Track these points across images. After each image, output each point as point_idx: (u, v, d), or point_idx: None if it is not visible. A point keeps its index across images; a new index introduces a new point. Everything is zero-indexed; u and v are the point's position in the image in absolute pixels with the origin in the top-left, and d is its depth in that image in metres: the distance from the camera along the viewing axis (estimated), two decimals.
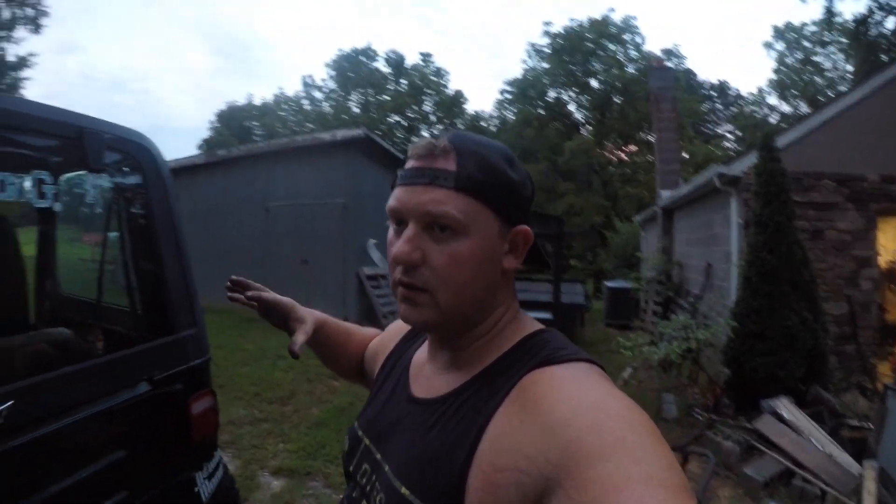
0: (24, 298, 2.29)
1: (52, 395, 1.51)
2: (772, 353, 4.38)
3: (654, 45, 37.78)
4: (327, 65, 43.77)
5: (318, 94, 44.83)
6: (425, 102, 41.79)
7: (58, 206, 1.71)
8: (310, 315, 1.06)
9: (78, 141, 1.66)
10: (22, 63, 22.77)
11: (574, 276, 15.21)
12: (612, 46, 32.06)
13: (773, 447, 3.72)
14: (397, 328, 1.00)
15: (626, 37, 32.20)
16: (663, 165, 11.65)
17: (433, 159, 0.67)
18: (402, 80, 42.19)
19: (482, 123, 39.73)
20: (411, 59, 47.35)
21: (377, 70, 42.74)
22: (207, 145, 40.05)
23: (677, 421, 4.75)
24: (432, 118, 42.00)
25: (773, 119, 32.12)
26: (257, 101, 47.51)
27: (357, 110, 41.29)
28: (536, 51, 34.45)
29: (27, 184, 1.59)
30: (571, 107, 33.50)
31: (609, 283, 11.33)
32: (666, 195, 9.74)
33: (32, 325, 2.23)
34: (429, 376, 0.78)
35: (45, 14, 23.98)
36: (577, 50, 31.84)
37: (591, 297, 12.21)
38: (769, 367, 4.36)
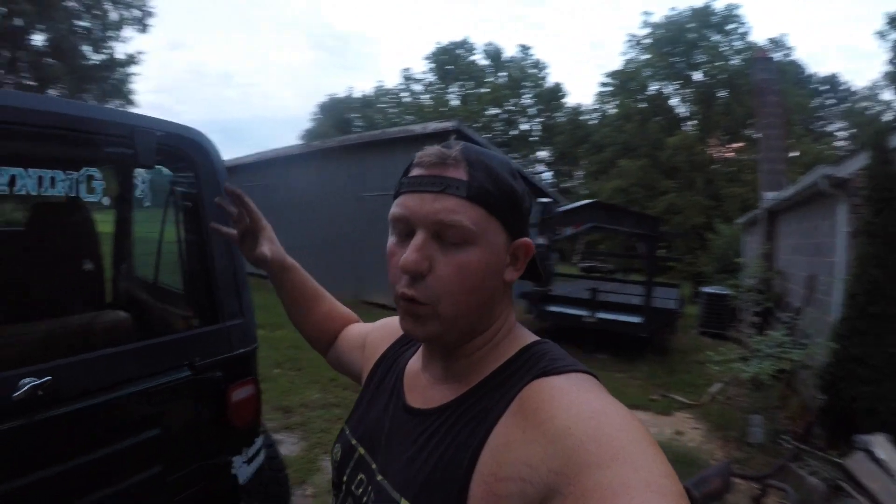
0: (94, 281, 2.43)
1: (96, 371, 1.64)
2: (873, 382, 3.91)
3: (759, 34, 35.30)
4: (426, 58, 44.17)
5: (417, 87, 45.55)
6: (524, 95, 41.37)
7: (106, 200, 1.88)
8: (281, 248, 1.09)
9: (129, 139, 1.75)
10: (130, 60, 24.73)
11: (671, 279, 14.63)
12: (714, 37, 30.46)
13: (861, 491, 3.32)
14: (389, 328, 0.99)
15: (730, 26, 30.47)
16: (768, 164, 10.84)
17: (444, 168, 0.67)
18: (501, 73, 41.95)
19: (582, 117, 38.84)
20: (510, 51, 47.10)
21: (475, 63, 42.79)
22: (309, 136, 41.62)
23: (762, 447, 4.44)
24: (531, 111, 41.54)
25: (889, 115, 29.31)
26: (357, 94, 49.12)
27: (456, 102, 41.46)
28: (636, 42, 33.27)
29: (80, 180, 1.78)
30: (674, 100, 32.11)
31: (706, 289, 10.77)
32: (769, 197, 9.07)
33: (94, 306, 2.32)
34: (424, 386, 0.78)
35: (150, 14, 25.98)
36: (679, 41, 30.62)
37: (686, 301, 11.65)
38: (868, 399, 3.90)
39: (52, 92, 21.41)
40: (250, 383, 2.08)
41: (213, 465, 1.99)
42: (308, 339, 1.17)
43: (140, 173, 2.06)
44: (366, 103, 47.07)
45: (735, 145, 29.05)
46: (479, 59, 43.07)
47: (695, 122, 30.85)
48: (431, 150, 0.69)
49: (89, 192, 1.85)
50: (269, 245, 1.06)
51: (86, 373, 1.61)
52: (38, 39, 22.40)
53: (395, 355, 0.91)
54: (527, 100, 41.52)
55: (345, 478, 0.81)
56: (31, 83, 21.86)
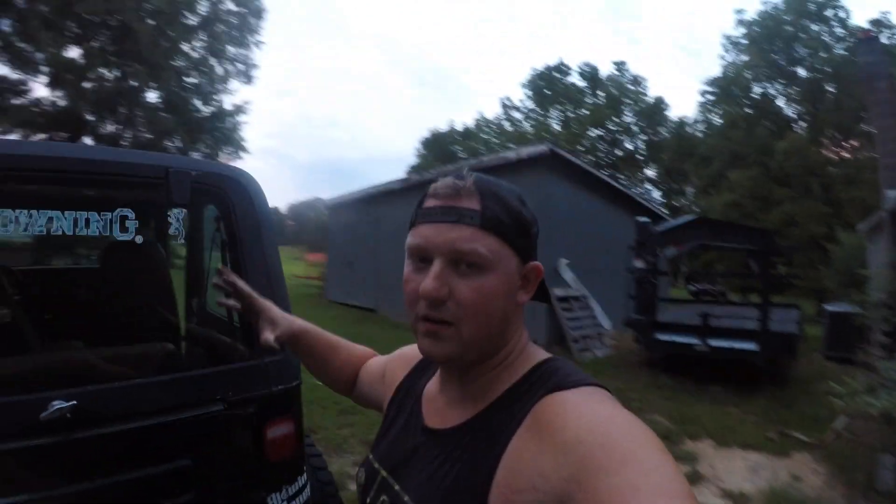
0: (143, 314, 2.51)
1: (129, 398, 1.75)
2: None
3: (859, 17, 31.77)
4: (522, 85, 44.28)
5: (516, 115, 45.46)
6: (625, 113, 40.40)
7: (139, 239, 1.93)
8: (284, 320, 1.12)
9: (164, 179, 1.86)
10: (239, 110, 26.42)
11: (790, 298, 13.60)
12: (814, 27, 28.28)
13: None
14: (405, 357, 1.03)
15: (828, 13, 28.13)
16: (886, 159, 9.69)
17: (458, 199, 0.71)
18: (599, 92, 41.24)
19: (687, 129, 37.41)
20: (605, 69, 46.29)
21: (573, 85, 42.31)
22: (414, 171, 42.47)
23: (891, 495, 3.93)
24: (634, 129, 40.53)
25: None
26: (458, 126, 49.47)
27: (558, 127, 41.03)
28: (733, 43, 31.63)
29: (112, 219, 1.85)
30: (780, 102, 30.07)
31: (829, 307, 9.95)
32: (891, 196, 8.16)
33: (137, 337, 2.35)
34: (442, 407, 0.81)
35: (254, 66, 27.77)
36: (777, 36, 28.65)
37: (808, 321, 10.80)
38: None
39: (167, 143, 23.31)
40: (288, 421, 2.08)
41: (248, 501, 2.01)
42: (331, 387, 1.21)
43: (176, 211, 2.05)
44: (467, 135, 47.51)
45: (850, 143, 26.79)
46: (577, 80, 42.67)
47: (804, 122, 28.86)
48: (445, 182, 0.73)
49: (122, 231, 1.90)
50: (271, 328, 1.11)
51: (117, 399, 1.73)
52: (151, 97, 24.63)
53: (413, 382, 0.94)
54: (628, 117, 40.68)
55: (368, 500, 0.84)
56: (148, 136, 23.69)
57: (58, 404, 1.56)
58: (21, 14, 18.71)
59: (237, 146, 27.38)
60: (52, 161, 1.76)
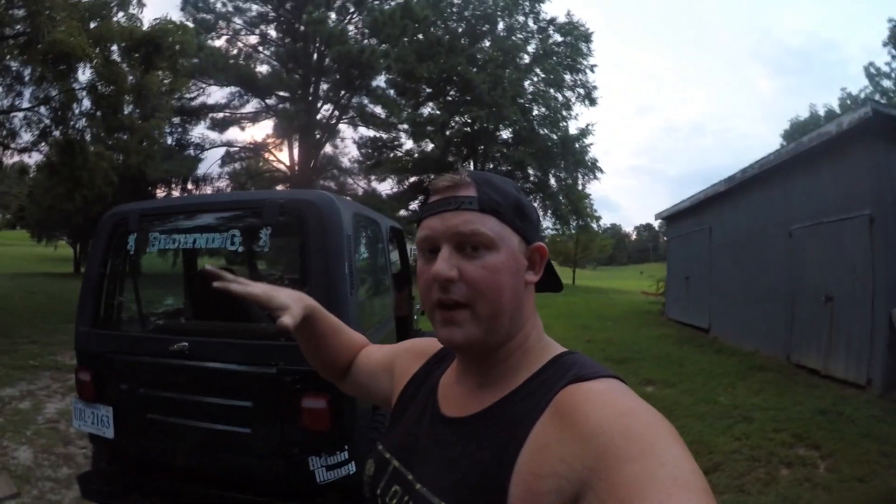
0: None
1: (221, 350, 2.78)
2: None
3: None
4: (884, 43, 33.30)
5: (886, 83, 34.46)
6: None
7: (242, 248, 3.02)
8: (292, 301, 1.04)
9: (259, 209, 2.86)
10: (584, 133, 27.72)
11: None
12: None
13: None
14: (418, 350, 1.04)
15: None
16: None
17: (456, 189, 0.77)
18: None
19: None
20: None
21: None
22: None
23: None
24: None
25: None
26: (821, 110, 41.35)
27: None
28: None
29: (233, 235, 2.92)
30: None
31: None
32: None
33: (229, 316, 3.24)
34: (459, 396, 0.82)
35: (594, 88, 29.41)
36: None
37: None
38: None
39: (520, 174, 26.81)
40: (323, 397, 2.53)
41: (290, 453, 2.63)
42: (322, 372, 1.21)
43: (264, 231, 2.85)
44: (831, 118, 38.28)
45: None
46: None
47: None
48: (442, 178, 0.78)
49: (231, 245, 2.92)
50: (286, 313, 0.99)
51: (210, 349, 2.79)
52: (505, 134, 27.58)
53: (427, 373, 0.96)
54: None
55: (378, 491, 0.85)
56: (505, 168, 27.05)
57: (179, 345, 2.78)
58: (370, 90, 23.04)
59: (589, 167, 28.20)
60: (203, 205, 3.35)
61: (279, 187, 23.55)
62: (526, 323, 0.80)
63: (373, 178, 28.50)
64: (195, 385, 2.79)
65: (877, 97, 32.74)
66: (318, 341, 1.14)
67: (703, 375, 7.64)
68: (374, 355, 1.15)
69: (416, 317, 6.06)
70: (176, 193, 23.32)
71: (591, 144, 29.68)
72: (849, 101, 36.97)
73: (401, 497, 0.79)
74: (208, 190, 23.77)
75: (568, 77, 28.67)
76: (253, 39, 24.51)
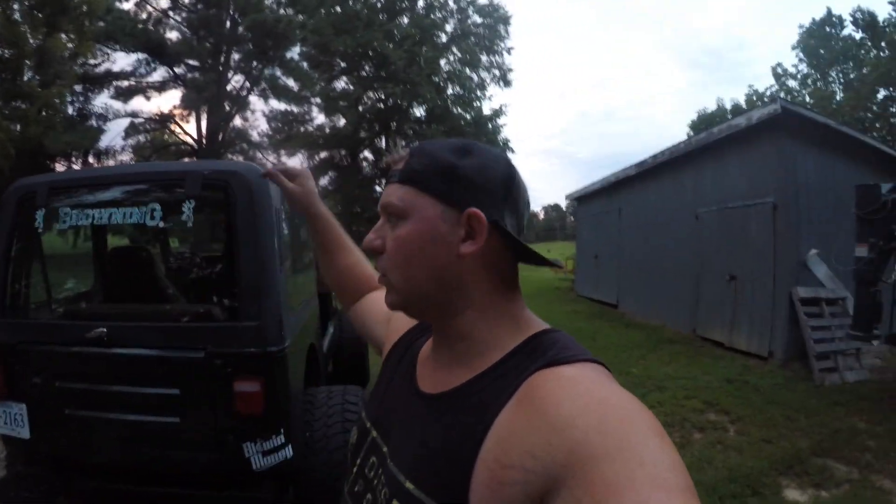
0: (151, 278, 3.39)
1: (143, 334, 2.58)
2: None
3: None
4: (793, 47, 36.66)
5: (791, 83, 37.86)
6: None
7: (163, 224, 2.77)
8: (311, 195, 1.19)
9: (181, 181, 2.65)
10: (497, 114, 28.74)
11: None
12: None
13: None
14: None
15: None
16: None
17: (395, 164, 0.77)
18: (882, 43, 31.90)
19: None
20: (882, 12, 35.93)
21: (849, 38, 33.70)
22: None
23: None
24: None
25: None
26: (728, 105, 44.36)
27: (840, 94, 33.28)
28: None
29: (152, 210, 2.67)
30: None
31: None
32: None
33: (152, 297, 3.22)
34: (433, 371, 0.79)
35: (511, 71, 30.07)
36: None
37: None
38: None
39: None
40: (257, 381, 2.45)
41: (223, 441, 2.51)
42: (334, 290, 1.28)
43: (187, 202, 2.63)
44: (737, 112, 41.49)
45: None
46: (852, 31, 33.83)
47: None
48: (391, 154, 0.79)
49: (151, 220, 2.67)
50: (301, 187, 1.18)
51: (132, 333, 2.58)
52: (418, 111, 27.54)
53: (411, 341, 0.93)
54: None
55: (358, 460, 0.84)
56: (412, 144, 26.51)
57: (97, 331, 2.54)
58: (284, 61, 22.46)
59: (501, 148, 28.76)
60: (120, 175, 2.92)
61: (185, 160, 22.51)
62: (477, 300, 0.74)
63: (283, 152, 27.93)
64: (116, 374, 2.59)
65: (781, 95, 35.55)
66: (325, 250, 1.22)
67: (615, 348, 8.12)
68: (380, 301, 1.08)
69: (333, 294, 5.94)
70: (76, 167, 21.78)
71: (504, 125, 30.37)
72: (755, 98, 39.74)
73: (376, 470, 0.79)
74: (110, 163, 22.43)
75: (484, 58, 29.02)
76: (164, 3, 23.17)
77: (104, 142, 22.95)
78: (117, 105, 23.29)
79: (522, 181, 0.78)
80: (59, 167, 20.64)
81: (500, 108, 28.92)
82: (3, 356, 2.68)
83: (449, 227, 0.71)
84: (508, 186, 0.74)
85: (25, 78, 14.81)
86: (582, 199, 16.96)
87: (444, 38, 28.60)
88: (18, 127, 16.25)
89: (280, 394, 2.54)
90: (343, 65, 27.24)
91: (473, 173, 0.72)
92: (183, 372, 2.51)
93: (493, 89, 30.36)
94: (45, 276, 3.20)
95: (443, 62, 28.02)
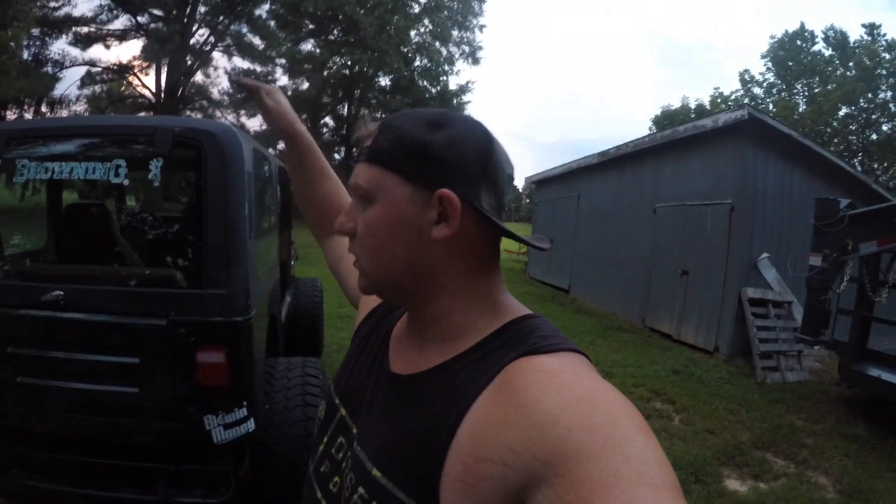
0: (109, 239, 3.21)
1: (101, 299, 2.44)
2: None
3: None
4: (762, 55, 37.90)
5: (757, 90, 39.09)
6: (881, 88, 32.10)
7: (126, 182, 2.60)
8: (288, 113, 1.11)
9: (150, 137, 2.45)
10: (462, 90, 28.18)
11: None
12: None
13: None
14: None
15: None
16: None
17: (365, 140, 0.71)
18: (850, 62, 33.50)
19: None
20: (855, 34, 37.66)
21: (818, 54, 35.07)
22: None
23: None
24: (893, 107, 32.12)
25: None
26: (692, 104, 45.01)
27: (803, 105, 34.61)
28: None
29: (117, 166, 2.50)
30: None
31: None
32: None
33: (111, 259, 3.00)
34: (406, 351, 0.77)
35: (479, 48, 30.00)
36: None
37: None
38: None
39: None
40: (221, 351, 2.38)
41: (183, 413, 2.42)
42: (310, 221, 1.20)
43: (154, 161, 2.50)
44: (700, 112, 42.53)
45: None
46: (822, 48, 35.31)
47: None
48: (359, 128, 0.74)
49: (115, 177, 2.49)
50: (275, 104, 1.10)
51: (90, 298, 2.43)
52: (384, 81, 27.18)
53: (383, 315, 0.89)
54: (886, 93, 32.30)
55: (325, 438, 0.81)
56: (380, 115, 26.41)
57: (54, 293, 2.38)
58: (252, 18, 21.73)
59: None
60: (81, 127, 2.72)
61: (142, 114, 21.65)
62: (450, 283, 0.70)
63: (242, 112, 26.94)
64: (73, 340, 2.44)
65: (746, 100, 36.59)
66: (300, 170, 1.15)
67: (565, 332, 8.16)
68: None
69: (292, 262, 5.87)
70: (28, 116, 20.81)
71: (469, 102, 30.24)
72: (720, 101, 40.85)
73: (344, 452, 0.76)
74: (64, 114, 21.44)
75: (455, 33, 28.78)
76: None
77: (59, 90, 21.96)
78: (75, 52, 22.34)
79: (503, 152, 0.71)
80: (10, 115, 19.66)
81: (467, 84, 28.94)
82: None
83: (419, 210, 0.67)
84: (485, 162, 0.68)
85: None
86: (541, 183, 17.04)
87: (416, 9, 28.22)
88: None
89: (244, 365, 2.47)
90: (311, 27, 26.63)
91: (445, 149, 0.66)
92: (143, 340, 2.40)
93: (460, 65, 29.82)
94: None
95: (413, 33, 27.71)
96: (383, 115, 0.80)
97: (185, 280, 2.54)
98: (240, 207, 2.51)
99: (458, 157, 0.66)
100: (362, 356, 0.85)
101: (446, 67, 28.37)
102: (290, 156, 1.15)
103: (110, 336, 2.43)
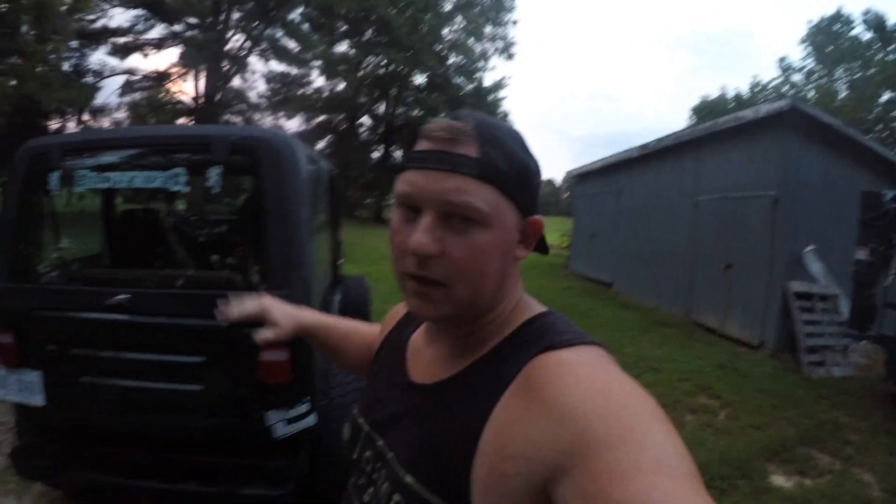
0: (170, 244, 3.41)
1: (165, 302, 2.51)
2: None
3: None
4: (801, 41, 36.62)
5: (797, 77, 37.81)
6: None
7: (186, 189, 2.61)
8: (287, 319, 1.07)
9: (206, 146, 2.54)
10: (497, 86, 27.97)
11: None
12: None
13: None
14: (391, 314, 1.00)
15: None
16: None
17: (454, 144, 0.64)
18: (891, 46, 31.98)
19: None
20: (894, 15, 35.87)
21: (858, 38, 33.57)
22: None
23: None
24: None
25: None
26: (731, 93, 43.94)
27: (844, 91, 33.25)
28: None
29: (180, 176, 2.56)
30: None
31: None
32: None
33: (175, 263, 3.24)
34: (428, 361, 0.78)
35: (513, 44, 30.08)
36: None
37: None
38: None
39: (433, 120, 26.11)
40: (284, 350, 2.41)
41: (247, 409, 2.49)
42: (353, 373, 1.19)
43: (213, 169, 2.54)
44: (740, 102, 41.33)
45: None
46: (861, 31, 33.77)
47: None
48: (441, 123, 0.65)
49: (175, 185, 2.56)
50: (270, 329, 1.06)
51: (155, 300, 2.51)
52: (419, 79, 27.34)
53: (398, 334, 0.91)
54: None
55: (355, 455, 0.83)
56: (417, 113, 26.64)
57: (120, 297, 2.46)
58: (286, 22, 22.08)
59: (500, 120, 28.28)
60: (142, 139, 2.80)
61: (181, 120, 22.36)
62: (506, 297, 0.73)
63: (280, 115, 27.71)
64: (137, 342, 2.54)
65: (785, 89, 35.62)
66: (332, 350, 1.14)
67: (608, 327, 8.21)
68: (370, 336, 1.11)
69: (339, 262, 5.90)
70: (72, 125, 21.55)
71: (505, 98, 30.28)
72: (757, 89, 40.06)
73: (374, 463, 0.77)
74: (106, 122, 22.24)
75: (488, 29, 28.82)
76: None
77: (99, 99, 22.58)
78: (114, 62, 23.02)
79: None
80: (53, 126, 20.34)
81: (502, 80, 28.95)
82: (16, 323, 2.60)
83: (515, 234, 0.69)
84: (541, 187, 0.73)
85: (22, 33, 14.42)
86: (582, 177, 16.92)
87: (448, 6, 28.31)
88: (15, 83, 15.79)
89: (306, 362, 2.54)
90: (345, 28, 27.04)
91: (536, 175, 0.70)
92: (207, 340, 2.47)
93: (494, 61, 29.87)
94: (58, 240, 3.14)
95: (446, 31, 27.84)
96: (465, 115, 0.68)
97: (247, 282, 2.61)
98: (298, 211, 2.57)
99: (538, 185, 0.71)
100: (381, 374, 0.88)
101: (481, 63, 28.48)
102: (316, 345, 1.16)
103: (174, 337, 2.52)
